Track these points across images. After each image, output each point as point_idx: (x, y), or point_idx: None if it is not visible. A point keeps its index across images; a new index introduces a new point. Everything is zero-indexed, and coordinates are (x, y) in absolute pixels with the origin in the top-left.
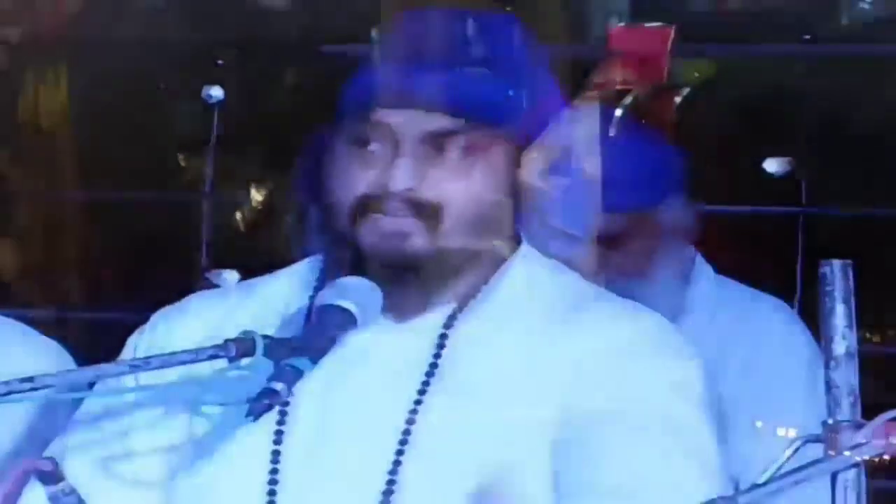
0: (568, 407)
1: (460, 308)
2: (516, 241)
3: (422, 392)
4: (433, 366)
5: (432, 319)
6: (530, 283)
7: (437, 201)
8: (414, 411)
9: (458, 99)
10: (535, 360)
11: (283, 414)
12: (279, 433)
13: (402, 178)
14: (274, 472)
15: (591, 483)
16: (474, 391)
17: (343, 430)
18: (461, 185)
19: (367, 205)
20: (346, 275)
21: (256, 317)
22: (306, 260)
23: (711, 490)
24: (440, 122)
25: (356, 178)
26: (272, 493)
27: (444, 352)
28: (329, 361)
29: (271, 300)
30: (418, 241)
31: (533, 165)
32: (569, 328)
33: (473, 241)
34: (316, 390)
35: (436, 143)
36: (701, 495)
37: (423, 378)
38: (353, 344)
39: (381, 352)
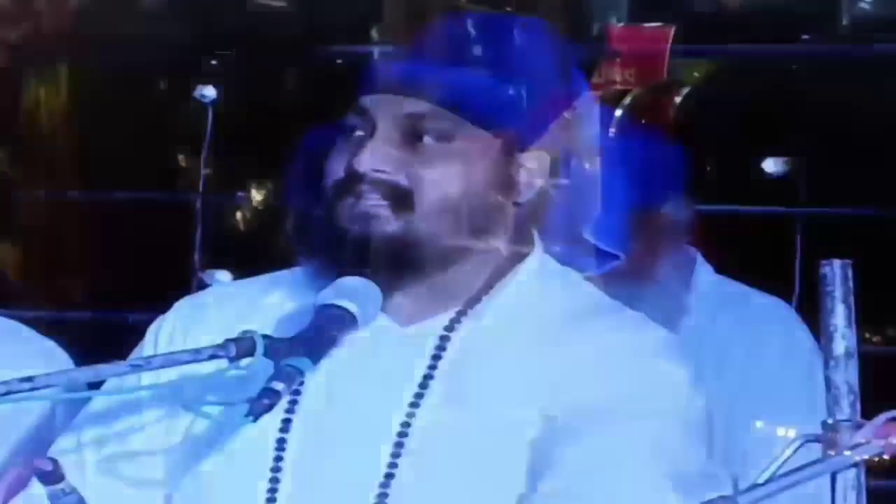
0: (552, 416)
1: (463, 312)
2: (530, 247)
3: (419, 395)
4: (432, 368)
5: (434, 323)
6: (537, 291)
7: (407, 186)
8: (411, 414)
9: (432, 83)
10: (529, 369)
11: (291, 406)
12: (282, 438)
13: (367, 159)
14: (276, 465)
15: (557, 470)
16: (470, 396)
17: (343, 429)
18: (434, 172)
19: (341, 188)
20: (342, 274)
21: (278, 310)
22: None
23: (674, 483)
24: (411, 105)
25: (336, 162)
26: (274, 479)
27: (444, 356)
28: (334, 360)
29: (293, 294)
30: (387, 224)
31: (537, 167)
32: (566, 338)
33: (454, 234)
34: (320, 389)
35: (411, 127)
36: (662, 487)
37: (421, 381)
38: (358, 345)
39: (383, 353)
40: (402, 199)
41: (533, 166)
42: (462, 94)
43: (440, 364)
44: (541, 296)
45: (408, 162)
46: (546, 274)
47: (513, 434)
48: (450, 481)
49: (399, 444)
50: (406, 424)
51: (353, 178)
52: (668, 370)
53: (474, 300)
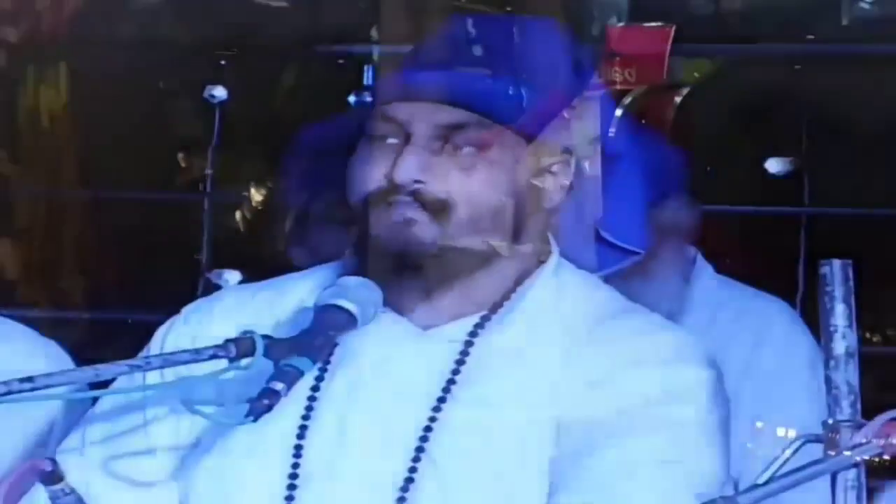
0: (572, 424)
1: (486, 318)
2: (547, 251)
3: (441, 399)
4: (455, 373)
5: (457, 328)
6: (558, 296)
7: (445, 196)
8: (432, 419)
9: (467, 91)
10: (552, 375)
11: (307, 412)
12: (300, 436)
13: (406, 169)
14: (294, 470)
15: (576, 482)
16: (492, 402)
17: (362, 435)
18: (472, 181)
19: (376, 198)
20: (367, 274)
21: (287, 314)
22: (340, 260)
23: (692, 491)
24: (449, 114)
25: (369, 172)
26: (291, 487)
27: (467, 361)
28: (354, 364)
29: (303, 298)
30: (424, 231)
31: (562, 171)
32: (588, 343)
33: (484, 239)
34: (339, 393)
35: (446, 136)
36: (680, 496)
37: (444, 385)
38: (378, 349)
39: (404, 359)
40: (440, 208)
41: (559, 170)
42: (500, 102)
43: (463, 369)
44: (561, 300)
45: (445, 171)
46: (565, 278)
47: (535, 442)
48: (470, 488)
49: (420, 449)
50: (427, 429)
51: (392, 188)
52: (691, 374)
53: (497, 306)
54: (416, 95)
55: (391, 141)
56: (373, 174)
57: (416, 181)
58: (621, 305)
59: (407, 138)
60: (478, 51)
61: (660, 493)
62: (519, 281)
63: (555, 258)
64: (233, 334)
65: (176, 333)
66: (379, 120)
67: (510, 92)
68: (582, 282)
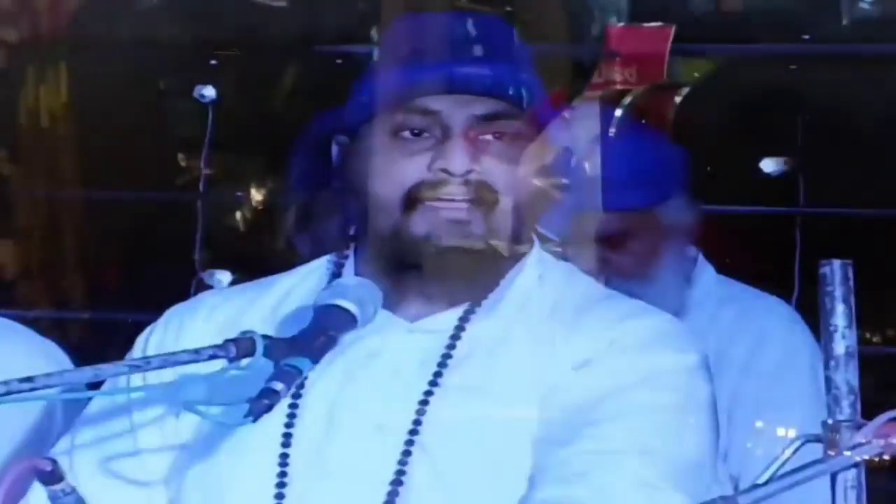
0: (558, 405)
1: (473, 307)
2: (530, 242)
3: (429, 393)
4: (442, 365)
5: (445, 319)
6: (541, 285)
7: (495, 186)
8: (422, 407)
9: (507, 82)
10: (539, 362)
11: (292, 410)
12: (287, 436)
13: (461, 160)
14: (283, 469)
15: (555, 469)
16: (482, 390)
17: (352, 428)
18: (513, 172)
19: (421, 192)
20: (373, 270)
21: (271, 314)
22: (325, 257)
23: (671, 478)
24: (485, 105)
25: (404, 167)
26: (281, 485)
27: (455, 351)
28: (342, 360)
29: (287, 297)
30: (476, 229)
31: (545, 162)
32: (573, 329)
33: (517, 232)
34: (328, 388)
35: (484, 128)
36: (659, 484)
37: (431, 378)
38: (367, 343)
39: (393, 351)
40: (488, 200)
41: (560, 168)
42: (532, 93)
43: (452, 356)
44: (545, 289)
45: (490, 160)
46: (547, 268)
47: (524, 427)
48: (462, 476)
49: (412, 435)
50: (418, 416)
51: (442, 180)
52: (670, 359)
53: (482, 295)
54: (450, 87)
55: (424, 133)
56: (412, 169)
57: (470, 170)
58: (603, 292)
59: (445, 130)
60: (478, 50)
61: (637, 480)
62: (503, 271)
63: (536, 249)
64: (216, 336)
65: (157, 339)
66: (411, 113)
67: (529, 85)
68: (563, 272)
